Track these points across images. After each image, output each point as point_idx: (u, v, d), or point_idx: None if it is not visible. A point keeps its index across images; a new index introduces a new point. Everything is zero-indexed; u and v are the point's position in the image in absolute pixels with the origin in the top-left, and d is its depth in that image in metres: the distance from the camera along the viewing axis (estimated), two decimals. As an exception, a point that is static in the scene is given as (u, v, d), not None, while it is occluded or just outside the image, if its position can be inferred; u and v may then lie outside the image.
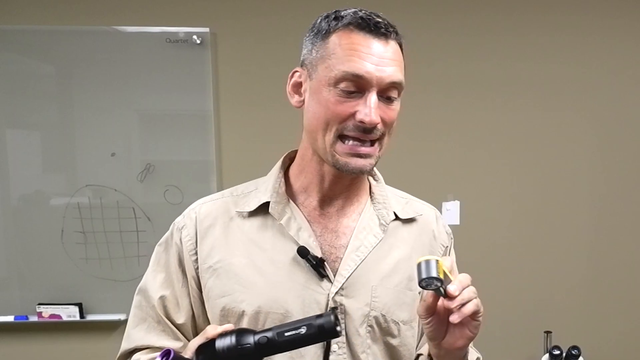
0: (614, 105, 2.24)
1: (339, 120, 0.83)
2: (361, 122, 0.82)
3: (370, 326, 0.90)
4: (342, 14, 0.84)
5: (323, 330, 0.73)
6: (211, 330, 0.76)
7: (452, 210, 2.24)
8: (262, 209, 0.93)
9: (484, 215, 2.26)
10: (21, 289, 2.17)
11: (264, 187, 0.95)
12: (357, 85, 0.82)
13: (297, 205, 0.94)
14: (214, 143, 2.16)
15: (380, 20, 0.84)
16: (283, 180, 0.95)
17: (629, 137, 2.26)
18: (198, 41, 2.11)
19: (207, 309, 0.93)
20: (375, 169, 1.02)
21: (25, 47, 2.10)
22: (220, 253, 0.92)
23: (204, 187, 2.17)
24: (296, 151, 0.98)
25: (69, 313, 2.15)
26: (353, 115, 0.82)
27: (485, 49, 2.20)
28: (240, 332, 0.74)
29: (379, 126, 0.84)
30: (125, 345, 0.95)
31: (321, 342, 0.75)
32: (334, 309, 0.76)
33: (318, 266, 0.88)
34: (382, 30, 0.83)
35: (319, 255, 0.89)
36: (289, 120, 2.18)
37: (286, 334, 0.73)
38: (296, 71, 0.90)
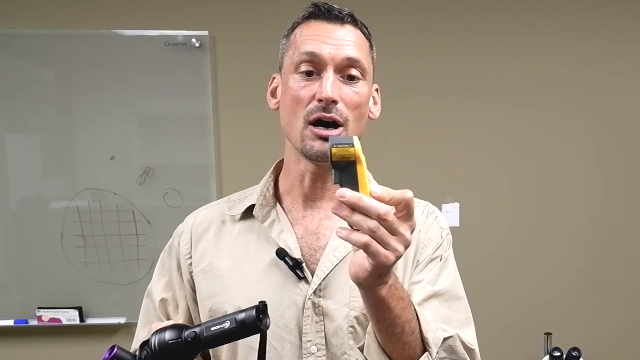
0: (613, 106, 2.25)
1: (303, 103, 0.86)
2: (319, 100, 0.84)
3: (352, 327, 0.88)
4: (304, 10, 0.90)
5: (244, 324, 0.71)
6: (155, 326, 0.76)
7: (451, 211, 2.25)
8: (252, 213, 0.96)
9: (483, 216, 2.26)
10: (21, 293, 2.17)
11: (255, 192, 0.98)
12: (315, 67, 0.86)
13: (283, 208, 0.95)
14: (213, 146, 2.16)
15: (335, 7, 0.89)
16: (272, 183, 0.98)
17: (629, 138, 2.26)
18: (197, 44, 2.11)
19: (199, 310, 0.96)
20: None
21: (24, 50, 2.10)
22: (210, 256, 0.95)
23: (203, 190, 2.17)
24: None
25: (69, 317, 2.14)
26: (314, 96, 0.85)
27: (485, 50, 2.20)
28: (173, 328, 0.73)
29: (341, 106, 0.85)
30: (134, 345, 0.97)
31: (246, 337, 0.73)
32: (262, 302, 0.72)
33: (296, 267, 0.88)
34: (335, 13, 0.88)
35: (298, 256, 0.89)
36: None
37: (212, 328, 0.72)
38: (274, 77, 0.96)
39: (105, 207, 2.15)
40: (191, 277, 0.96)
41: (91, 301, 2.16)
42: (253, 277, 0.91)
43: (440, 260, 0.98)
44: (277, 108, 0.94)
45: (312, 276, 0.89)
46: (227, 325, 0.71)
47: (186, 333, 0.72)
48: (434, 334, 0.83)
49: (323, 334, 0.87)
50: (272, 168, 1.01)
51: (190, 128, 2.16)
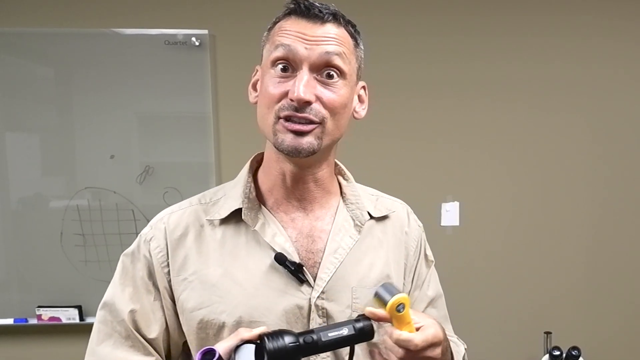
0: (613, 106, 2.25)
1: (276, 100, 0.84)
2: (291, 99, 0.82)
3: None
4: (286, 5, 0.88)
5: (363, 332, 0.76)
6: (246, 333, 0.76)
7: (451, 211, 2.25)
8: (234, 216, 0.91)
9: (483, 216, 2.26)
10: (20, 292, 2.17)
11: (234, 193, 0.93)
12: (290, 64, 0.84)
13: (267, 209, 0.92)
14: (213, 145, 2.16)
15: (316, 4, 0.86)
16: (252, 184, 0.94)
17: (629, 138, 2.26)
18: (197, 43, 2.11)
19: (182, 322, 0.91)
20: (344, 167, 1.02)
21: (24, 49, 2.10)
22: (194, 264, 0.89)
23: (203, 189, 2.13)
24: (263, 153, 0.97)
25: (69, 315, 2.14)
26: (287, 94, 0.83)
27: (485, 49, 2.20)
28: (284, 333, 0.75)
29: (317, 106, 0.83)
30: None
31: (358, 343, 0.77)
32: (362, 315, 0.77)
33: (297, 271, 0.87)
34: (315, 12, 0.85)
35: (297, 260, 0.88)
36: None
37: (330, 334, 0.75)
38: (257, 70, 0.93)
39: (105, 206, 2.15)
40: (169, 286, 0.90)
41: (91, 300, 2.16)
42: (250, 284, 0.87)
43: (426, 259, 1.05)
44: (256, 102, 0.91)
45: (314, 279, 0.89)
46: (345, 332, 0.76)
47: (303, 338, 0.74)
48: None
49: None
50: (247, 166, 0.97)
51: (190, 127, 2.16)
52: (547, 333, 2.19)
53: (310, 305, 0.87)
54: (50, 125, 2.13)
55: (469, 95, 2.21)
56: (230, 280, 0.88)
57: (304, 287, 0.88)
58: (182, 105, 2.15)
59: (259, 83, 0.91)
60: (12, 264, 2.16)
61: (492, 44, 2.20)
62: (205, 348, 0.74)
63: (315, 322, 0.88)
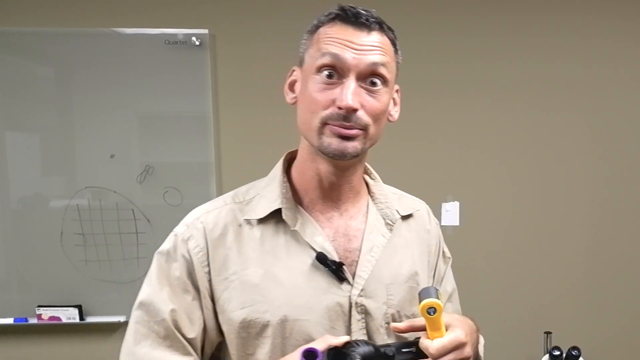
0: (613, 106, 2.25)
1: (322, 107, 0.84)
2: (339, 107, 0.83)
3: (387, 323, 0.92)
4: (330, 10, 0.88)
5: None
6: (333, 340, 0.81)
7: (451, 211, 2.25)
8: (272, 216, 0.91)
9: (483, 216, 2.26)
10: (21, 291, 2.17)
11: (269, 192, 0.93)
12: (337, 72, 0.84)
13: (304, 209, 0.93)
14: (213, 145, 2.16)
15: (362, 12, 0.87)
16: (288, 184, 0.94)
17: (628, 138, 2.26)
18: (197, 43, 2.11)
19: (221, 322, 0.91)
20: (370, 167, 1.04)
21: (24, 49, 2.10)
22: (235, 264, 0.90)
23: (203, 189, 2.17)
24: (296, 151, 0.97)
25: (69, 315, 2.14)
26: (334, 102, 0.84)
27: (485, 49, 2.20)
28: (367, 343, 0.81)
29: (361, 114, 0.85)
30: None
31: None
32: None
33: (338, 270, 0.89)
34: (362, 20, 0.86)
35: (337, 259, 0.90)
36: (288, 122, 2.19)
37: (403, 350, 0.84)
38: (293, 70, 0.93)
39: (105, 206, 2.15)
40: (210, 286, 0.90)
41: (91, 299, 2.17)
42: (292, 283, 0.88)
43: (444, 256, 1.09)
44: (294, 103, 0.92)
45: (353, 277, 0.91)
46: (414, 349, 0.84)
47: (384, 350, 0.81)
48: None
49: (365, 332, 0.91)
50: (281, 166, 0.97)
51: (190, 126, 2.16)
52: (547, 333, 2.19)
53: (350, 303, 0.90)
54: (51, 125, 2.13)
55: (469, 95, 2.21)
56: (272, 280, 0.89)
57: (344, 285, 0.90)
58: (182, 105, 2.15)
59: (297, 84, 0.92)
60: (12, 264, 2.16)
61: (492, 44, 2.20)
62: (307, 348, 0.76)
63: (355, 318, 0.90)
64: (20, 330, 2.20)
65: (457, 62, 2.19)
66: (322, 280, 0.89)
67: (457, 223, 2.25)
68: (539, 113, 2.23)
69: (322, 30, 0.87)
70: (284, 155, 0.99)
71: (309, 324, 0.87)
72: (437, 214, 2.25)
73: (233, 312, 0.88)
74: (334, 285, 0.89)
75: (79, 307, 2.15)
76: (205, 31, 2.12)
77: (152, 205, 2.16)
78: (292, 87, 0.94)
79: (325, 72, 0.84)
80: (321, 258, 0.88)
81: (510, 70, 2.20)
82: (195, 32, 2.11)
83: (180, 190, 2.16)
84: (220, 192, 2.17)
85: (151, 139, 2.16)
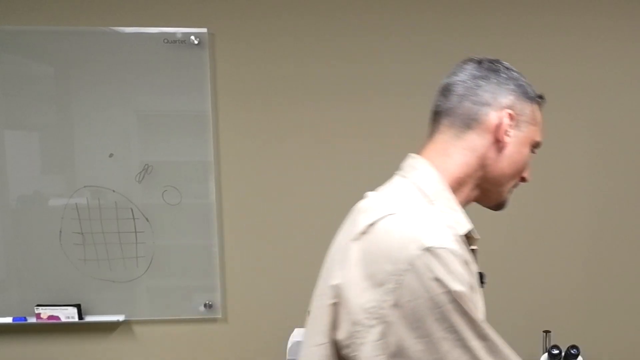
0: (612, 106, 2.24)
1: (520, 174, 0.99)
2: (524, 180, 1.01)
3: None
4: (534, 88, 1.01)
5: None
6: None
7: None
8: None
9: (482, 215, 2.25)
10: (19, 290, 2.17)
11: (457, 218, 0.89)
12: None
13: None
14: (212, 144, 2.16)
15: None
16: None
17: (628, 138, 2.26)
18: (196, 42, 2.10)
19: None
20: None
21: (23, 47, 2.10)
22: (477, 294, 0.87)
23: (202, 188, 2.17)
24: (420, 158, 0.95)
25: (68, 314, 2.14)
26: (524, 172, 1.01)
27: (483, 49, 2.19)
28: None
29: None
30: None
31: None
32: None
33: (482, 282, 0.97)
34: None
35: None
36: (287, 121, 2.19)
37: None
38: (511, 115, 0.93)
39: (104, 205, 2.15)
40: None
41: (90, 299, 2.17)
42: (481, 302, 0.91)
43: None
44: (503, 146, 0.93)
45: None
46: None
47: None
48: None
49: None
50: (446, 183, 0.91)
51: (190, 126, 2.16)
52: (546, 332, 2.19)
53: None
54: (50, 123, 2.13)
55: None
56: (479, 298, 0.89)
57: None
58: (181, 104, 2.15)
59: (512, 134, 0.93)
60: (11, 263, 2.16)
61: (489, 43, 2.20)
62: None
63: None
64: (19, 330, 2.20)
65: (457, 61, 2.19)
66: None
67: (456, 222, 2.25)
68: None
69: (537, 108, 0.99)
70: (442, 178, 0.92)
71: None
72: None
73: None
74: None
75: (78, 306, 2.15)
76: (204, 30, 2.11)
77: (151, 204, 2.16)
78: (507, 130, 0.93)
79: (534, 151, 0.99)
80: (482, 278, 0.96)
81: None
82: (194, 31, 2.11)
83: (179, 190, 2.16)
84: (219, 191, 2.17)
85: (150, 138, 2.16)
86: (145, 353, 2.23)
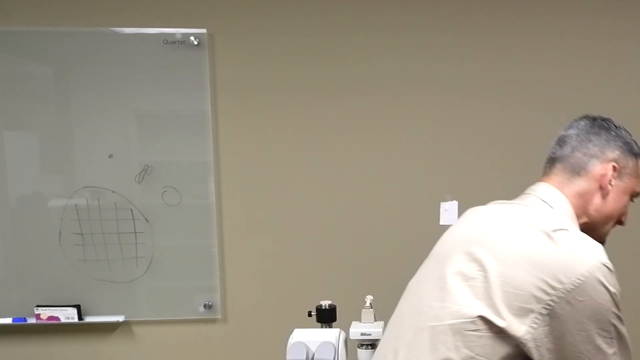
0: (614, 106, 2.23)
1: (619, 218, 1.13)
2: (621, 223, 1.15)
3: None
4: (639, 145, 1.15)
5: None
6: None
7: (450, 210, 2.24)
8: None
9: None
10: (19, 291, 2.17)
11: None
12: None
13: None
14: (211, 144, 2.16)
15: None
16: None
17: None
18: (195, 42, 2.11)
19: None
20: None
21: (22, 48, 2.10)
22: None
23: (202, 188, 2.17)
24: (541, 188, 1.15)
25: (67, 315, 2.14)
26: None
27: (483, 49, 2.20)
28: None
29: None
30: None
31: None
32: None
33: None
34: None
35: None
36: (287, 121, 2.19)
37: None
38: (614, 167, 1.09)
39: (104, 205, 2.15)
40: None
41: (90, 299, 2.16)
42: None
43: None
44: (606, 193, 1.09)
45: None
46: None
47: None
48: None
49: None
50: (575, 214, 1.10)
51: (189, 126, 2.16)
52: None
53: None
54: (49, 124, 2.13)
55: (468, 94, 2.21)
56: None
57: None
58: (181, 104, 2.15)
59: (613, 182, 1.09)
60: (10, 263, 2.16)
61: (490, 43, 2.20)
62: None
63: None
64: (18, 330, 2.20)
65: (457, 60, 2.19)
66: None
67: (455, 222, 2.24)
68: (538, 112, 2.22)
69: (639, 165, 1.13)
70: (569, 205, 1.11)
71: None
72: (436, 213, 2.25)
73: None
74: None
75: (78, 307, 2.15)
76: (204, 31, 2.11)
77: (151, 204, 2.16)
78: (612, 180, 1.09)
79: (632, 200, 1.13)
80: None
81: (509, 70, 2.20)
82: (193, 32, 2.11)
83: (179, 190, 2.16)
84: (218, 192, 2.17)
85: (150, 138, 2.16)
86: (145, 353, 2.23)
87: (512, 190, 2.25)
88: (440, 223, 2.26)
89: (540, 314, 0.90)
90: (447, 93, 2.20)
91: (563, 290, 0.91)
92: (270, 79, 2.17)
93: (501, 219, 1.11)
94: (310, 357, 1.41)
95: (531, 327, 0.90)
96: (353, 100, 2.18)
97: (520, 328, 0.90)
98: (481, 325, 0.92)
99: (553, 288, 0.91)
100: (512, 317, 0.91)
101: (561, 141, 1.15)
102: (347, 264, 2.23)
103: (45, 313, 2.14)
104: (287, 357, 1.41)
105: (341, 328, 1.58)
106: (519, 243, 0.97)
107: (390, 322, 1.13)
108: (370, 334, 1.60)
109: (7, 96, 2.10)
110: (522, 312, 0.90)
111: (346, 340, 1.54)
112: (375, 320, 1.65)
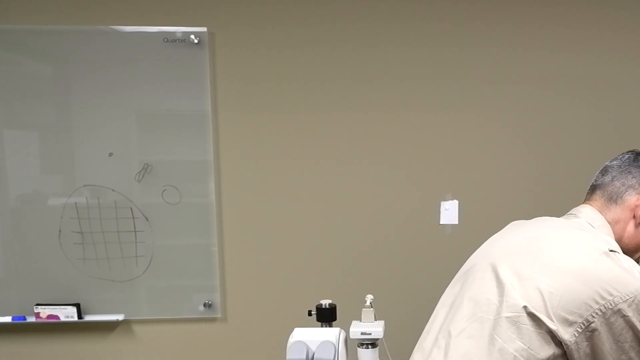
0: (615, 104, 2.24)
1: None
2: None
3: None
4: None
5: None
6: None
7: (450, 209, 2.24)
8: None
9: (482, 214, 2.25)
10: (19, 290, 2.17)
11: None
12: None
13: None
14: (211, 143, 2.16)
15: None
16: None
17: (630, 136, 2.26)
18: (196, 41, 2.10)
19: None
20: None
21: (22, 47, 2.09)
22: None
23: (202, 187, 2.17)
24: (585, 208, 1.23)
25: (67, 313, 2.14)
26: None
27: (485, 48, 2.20)
28: None
29: None
30: None
31: None
32: None
33: None
34: None
35: None
36: (287, 120, 2.19)
37: None
38: None
39: (104, 204, 2.15)
40: None
41: (89, 298, 2.16)
42: None
43: None
44: (639, 222, 1.17)
45: None
46: None
47: None
48: None
49: None
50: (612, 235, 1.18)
51: (189, 125, 2.16)
52: (546, 331, 2.18)
53: None
54: (49, 122, 2.13)
55: (468, 93, 2.20)
56: None
57: None
58: (181, 103, 2.14)
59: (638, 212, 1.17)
60: (10, 262, 2.16)
61: (491, 42, 2.19)
62: None
63: None
64: (18, 329, 2.20)
65: (456, 60, 2.19)
66: None
67: (456, 222, 2.25)
68: (538, 111, 2.22)
69: None
70: (604, 221, 1.19)
71: None
72: (436, 213, 2.25)
73: None
74: None
75: (77, 306, 2.15)
76: (204, 29, 2.11)
77: (151, 203, 2.16)
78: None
79: None
80: None
81: (508, 68, 2.20)
82: (193, 30, 2.10)
83: (179, 189, 2.16)
84: (219, 191, 2.17)
85: (150, 137, 2.16)
86: (144, 352, 2.23)
87: (512, 190, 2.26)
88: (441, 222, 2.26)
89: (587, 320, 0.98)
90: (446, 92, 2.20)
91: (612, 302, 0.98)
92: (270, 78, 2.17)
93: (557, 232, 1.17)
94: (310, 356, 1.41)
95: (577, 330, 0.98)
96: (354, 101, 2.18)
97: (567, 331, 0.98)
98: (534, 321, 0.99)
99: (603, 298, 0.98)
100: (560, 323, 0.98)
101: (604, 170, 1.27)
102: (347, 263, 2.23)
103: (44, 312, 2.14)
104: (287, 357, 1.41)
105: (341, 327, 1.58)
106: (575, 256, 1.05)
107: (440, 305, 1.22)
108: (370, 333, 1.60)
109: (7, 95, 2.09)
110: (570, 318, 0.98)
111: (346, 340, 1.54)
112: (376, 320, 1.65)
